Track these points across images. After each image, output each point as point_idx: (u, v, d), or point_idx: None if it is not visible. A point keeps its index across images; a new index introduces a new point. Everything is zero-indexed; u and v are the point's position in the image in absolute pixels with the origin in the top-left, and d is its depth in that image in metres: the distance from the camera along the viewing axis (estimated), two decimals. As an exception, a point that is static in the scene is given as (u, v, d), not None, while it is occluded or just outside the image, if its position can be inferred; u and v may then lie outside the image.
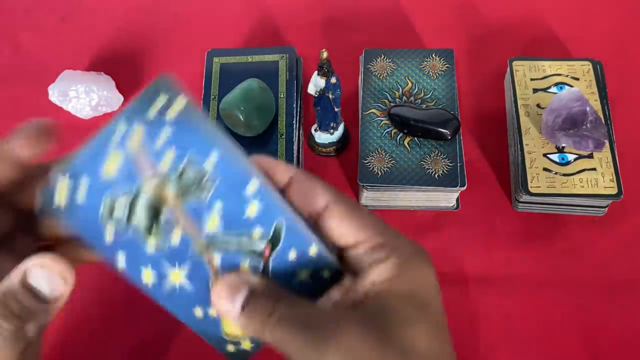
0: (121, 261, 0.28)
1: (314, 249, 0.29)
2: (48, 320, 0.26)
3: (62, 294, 0.27)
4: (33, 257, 0.26)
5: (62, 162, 0.26)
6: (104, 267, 0.57)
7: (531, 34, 0.66)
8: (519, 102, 0.57)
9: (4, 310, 0.25)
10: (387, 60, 0.59)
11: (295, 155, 0.54)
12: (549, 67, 0.59)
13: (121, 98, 0.62)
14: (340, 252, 0.29)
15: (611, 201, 0.52)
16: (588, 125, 0.52)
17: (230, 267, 0.28)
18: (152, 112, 0.26)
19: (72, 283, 0.27)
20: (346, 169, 0.58)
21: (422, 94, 0.57)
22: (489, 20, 0.67)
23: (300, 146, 0.58)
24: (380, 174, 0.53)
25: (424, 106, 0.56)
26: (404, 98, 0.57)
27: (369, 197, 0.55)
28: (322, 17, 0.69)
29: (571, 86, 0.57)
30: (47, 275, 0.26)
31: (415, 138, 0.54)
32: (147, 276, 0.28)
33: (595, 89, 0.57)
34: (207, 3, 0.70)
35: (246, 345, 0.31)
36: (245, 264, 0.28)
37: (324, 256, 0.29)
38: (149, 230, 0.27)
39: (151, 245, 0.27)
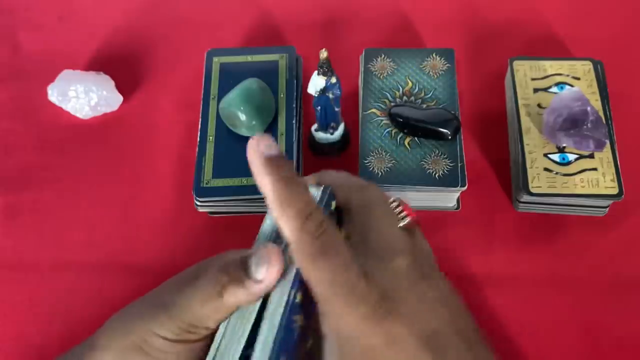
0: None
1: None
2: (249, 297, 0.31)
3: (267, 279, 0.31)
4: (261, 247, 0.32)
5: None
6: (104, 267, 0.58)
7: (532, 34, 0.66)
8: (520, 102, 0.57)
9: (222, 270, 0.32)
10: (388, 60, 0.59)
11: (295, 155, 0.54)
12: (549, 66, 0.58)
13: (120, 98, 0.62)
14: None
15: (612, 201, 0.52)
16: (589, 125, 0.52)
17: None
18: None
19: (274, 277, 0.31)
20: (346, 169, 0.58)
21: (423, 94, 0.57)
22: (490, 20, 0.67)
23: (300, 146, 0.58)
24: (380, 174, 0.52)
25: (424, 106, 0.56)
26: (405, 98, 0.57)
27: (369, 197, 0.54)
28: (322, 17, 0.68)
29: (572, 86, 0.57)
30: (259, 260, 0.31)
31: (416, 138, 0.54)
32: None
33: (596, 89, 0.57)
34: (207, 3, 0.70)
35: None
36: None
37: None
38: None
39: None
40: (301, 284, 0.31)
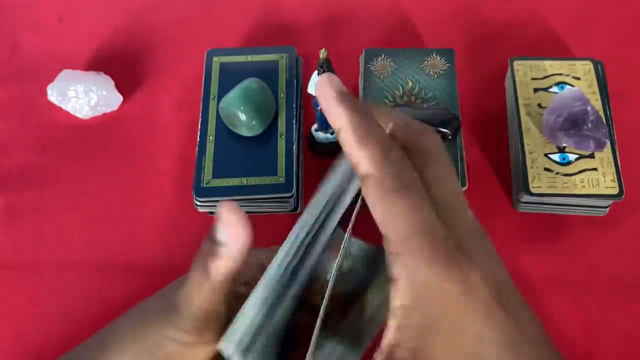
0: None
1: None
2: (227, 263, 0.31)
3: (231, 239, 0.31)
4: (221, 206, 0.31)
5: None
6: (104, 267, 0.57)
7: (532, 34, 0.66)
8: (520, 102, 0.57)
9: (198, 251, 0.32)
10: (388, 59, 0.59)
11: (295, 155, 0.54)
12: (550, 66, 0.58)
13: (120, 98, 0.62)
14: None
15: (612, 201, 0.52)
16: (589, 125, 0.52)
17: None
18: None
19: (238, 234, 0.31)
20: (346, 169, 0.58)
21: (423, 94, 0.57)
22: (490, 20, 0.67)
23: (300, 146, 0.57)
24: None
25: (424, 106, 0.56)
26: (405, 98, 0.57)
27: (369, 197, 0.54)
28: (322, 17, 0.68)
29: (572, 86, 0.57)
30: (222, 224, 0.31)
31: (416, 138, 0.54)
32: None
33: (596, 89, 0.57)
34: (207, 3, 0.70)
35: None
36: None
37: None
38: None
39: None
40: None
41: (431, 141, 0.31)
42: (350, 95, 0.30)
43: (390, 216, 0.28)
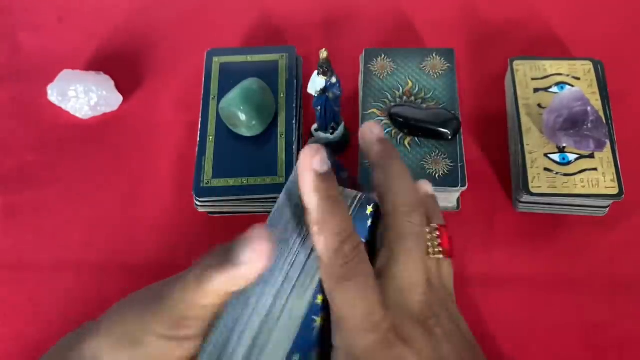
0: None
1: None
2: (232, 283, 0.31)
3: (251, 265, 0.31)
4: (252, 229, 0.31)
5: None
6: (104, 267, 0.57)
7: (532, 34, 0.66)
8: (520, 102, 0.57)
9: (203, 256, 0.32)
10: (388, 59, 0.59)
11: (295, 155, 0.54)
12: (549, 66, 0.58)
13: (120, 98, 0.62)
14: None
15: (612, 201, 0.52)
16: (589, 125, 0.52)
17: None
18: None
19: (262, 262, 0.30)
20: (346, 169, 0.58)
21: (423, 94, 0.57)
22: (490, 20, 0.67)
23: (300, 146, 0.57)
24: (380, 174, 0.52)
25: (424, 106, 0.56)
26: (405, 98, 0.57)
27: (369, 197, 0.54)
28: (322, 17, 0.68)
29: (572, 86, 0.57)
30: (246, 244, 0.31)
31: (416, 138, 0.54)
32: None
33: (596, 89, 0.57)
34: (207, 3, 0.70)
35: None
36: None
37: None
38: None
39: None
40: (322, 288, 0.32)
41: (407, 227, 0.34)
42: (328, 179, 0.32)
43: (334, 299, 0.31)
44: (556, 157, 0.54)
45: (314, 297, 0.32)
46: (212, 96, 0.58)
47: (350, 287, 0.31)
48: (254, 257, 0.30)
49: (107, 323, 0.34)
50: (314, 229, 0.31)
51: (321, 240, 0.31)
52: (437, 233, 0.36)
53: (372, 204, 0.34)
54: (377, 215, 0.35)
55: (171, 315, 0.32)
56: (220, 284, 0.31)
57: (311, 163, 0.32)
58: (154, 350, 0.32)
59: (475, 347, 0.34)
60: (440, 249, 0.35)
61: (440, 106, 0.56)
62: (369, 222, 0.34)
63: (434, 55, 0.59)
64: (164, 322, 0.32)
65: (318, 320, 0.32)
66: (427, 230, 0.35)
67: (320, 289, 0.32)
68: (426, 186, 0.39)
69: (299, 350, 0.31)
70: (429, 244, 0.35)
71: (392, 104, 0.56)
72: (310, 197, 0.31)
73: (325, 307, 0.32)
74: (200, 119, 0.56)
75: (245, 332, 0.32)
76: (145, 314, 0.33)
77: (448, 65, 0.58)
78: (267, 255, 0.30)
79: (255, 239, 0.30)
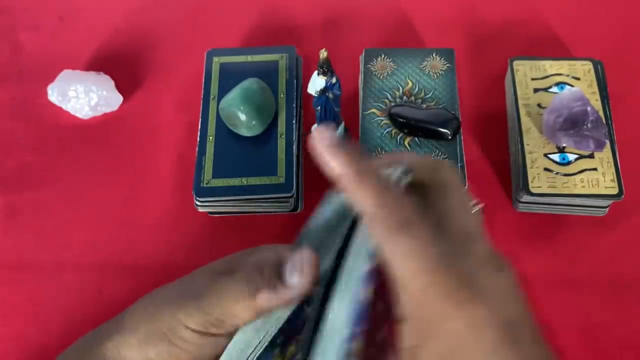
0: None
1: None
2: (277, 302, 0.33)
3: (298, 288, 0.32)
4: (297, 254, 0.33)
5: None
6: (104, 267, 0.57)
7: (532, 34, 0.66)
8: (520, 102, 0.57)
9: (258, 270, 0.33)
10: (388, 59, 0.59)
11: (295, 155, 0.54)
12: (549, 66, 0.58)
13: (120, 98, 0.62)
14: None
15: (612, 201, 0.52)
16: (589, 125, 0.52)
17: None
18: None
19: (305, 285, 0.32)
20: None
21: (423, 94, 0.57)
22: (490, 20, 0.67)
23: (300, 146, 0.57)
24: (380, 174, 0.52)
25: (424, 106, 0.56)
26: (405, 98, 0.57)
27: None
28: (322, 17, 0.68)
29: (572, 86, 0.57)
30: (293, 267, 0.32)
31: (416, 138, 0.54)
32: None
33: (596, 89, 0.57)
34: (207, 3, 0.70)
35: None
36: None
37: None
38: None
39: None
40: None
41: (445, 174, 0.32)
42: (345, 144, 0.30)
43: (395, 255, 0.28)
44: (556, 157, 0.54)
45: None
46: (212, 96, 0.58)
47: (410, 239, 0.28)
48: (302, 282, 0.32)
49: (132, 321, 0.35)
50: (352, 187, 0.29)
51: (363, 195, 0.29)
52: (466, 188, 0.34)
53: (407, 175, 0.32)
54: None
55: (206, 316, 0.33)
56: (266, 303, 0.32)
57: (324, 133, 0.30)
58: (184, 345, 0.34)
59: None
60: (475, 201, 0.34)
61: (440, 106, 0.56)
62: None
63: (434, 55, 0.59)
64: (198, 321, 0.33)
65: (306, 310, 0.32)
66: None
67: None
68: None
69: (283, 334, 0.32)
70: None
71: (392, 104, 0.56)
72: (338, 163, 0.29)
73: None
74: (200, 119, 0.56)
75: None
76: (178, 312, 0.34)
77: (448, 65, 0.58)
78: (313, 279, 0.32)
79: (305, 264, 0.32)
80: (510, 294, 0.29)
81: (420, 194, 0.32)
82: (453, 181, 0.32)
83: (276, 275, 0.33)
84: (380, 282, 0.30)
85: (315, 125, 0.57)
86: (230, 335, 0.34)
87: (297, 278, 0.32)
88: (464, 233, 0.30)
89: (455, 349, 0.27)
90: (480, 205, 0.34)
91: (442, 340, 0.28)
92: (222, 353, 0.34)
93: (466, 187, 0.52)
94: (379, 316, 0.30)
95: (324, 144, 0.30)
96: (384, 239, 0.28)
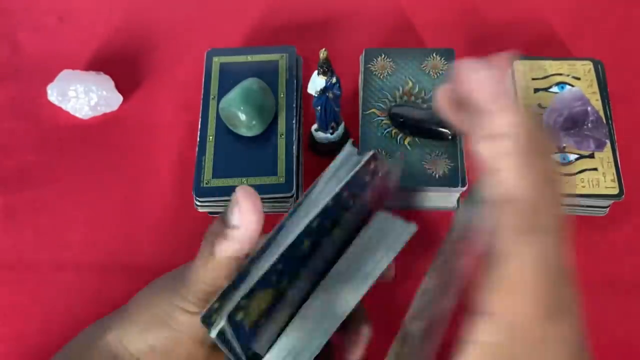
0: None
1: None
2: (234, 246, 0.32)
3: (243, 224, 0.32)
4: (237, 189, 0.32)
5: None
6: (104, 267, 0.57)
7: (532, 34, 0.66)
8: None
9: (208, 230, 0.33)
10: (388, 59, 0.59)
11: (295, 155, 0.54)
12: (550, 66, 0.58)
13: (120, 98, 0.62)
14: None
15: (612, 201, 0.52)
16: (589, 125, 0.52)
17: None
18: None
19: (249, 218, 0.32)
20: (346, 169, 0.58)
21: (423, 94, 0.57)
22: (490, 20, 0.67)
23: (300, 146, 0.57)
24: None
25: (424, 106, 0.56)
26: (405, 98, 0.57)
27: (370, 197, 0.54)
28: (322, 17, 0.68)
29: (572, 86, 0.57)
30: (233, 208, 0.32)
31: (416, 138, 0.54)
32: None
33: (596, 89, 0.57)
34: (207, 3, 0.70)
35: None
36: None
37: None
38: None
39: None
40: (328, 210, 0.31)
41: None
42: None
43: (514, 254, 0.28)
44: (556, 157, 0.53)
45: (311, 223, 0.31)
46: (212, 96, 0.58)
47: (537, 239, 0.28)
48: (244, 218, 0.31)
49: (132, 311, 0.36)
50: (493, 103, 0.30)
51: (505, 111, 0.30)
52: None
53: None
54: None
55: (196, 293, 0.33)
56: (226, 251, 0.32)
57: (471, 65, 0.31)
58: (183, 329, 0.34)
59: None
60: None
61: (441, 106, 0.56)
62: None
63: (434, 55, 0.59)
64: (190, 300, 0.33)
65: (306, 243, 0.32)
66: None
67: (321, 214, 0.31)
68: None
69: (286, 269, 0.31)
70: None
71: (392, 104, 0.56)
72: (483, 75, 0.31)
73: (316, 233, 0.32)
74: (200, 119, 0.56)
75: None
76: (173, 295, 0.34)
77: (448, 65, 0.58)
78: (255, 213, 0.31)
79: (241, 201, 0.31)
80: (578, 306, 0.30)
81: None
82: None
83: (222, 224, 0.32)
84: None
85: (315, 126, 0.57)
86: None
87: (238, 214, 0.31)
88: None
89: (532, 357, 0.28)
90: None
91: (524, 346, 0.28)
92: None
93: (466, 187, 0.52)
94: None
95: (473, 64, 0.31)
96: (516, 161, 0.29)
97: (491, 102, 0.30)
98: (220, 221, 0.33)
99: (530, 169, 0.28)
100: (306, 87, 0.53)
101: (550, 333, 0.28)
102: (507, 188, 0.28)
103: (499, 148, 0.29)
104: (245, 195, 0.32)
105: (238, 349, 0.31)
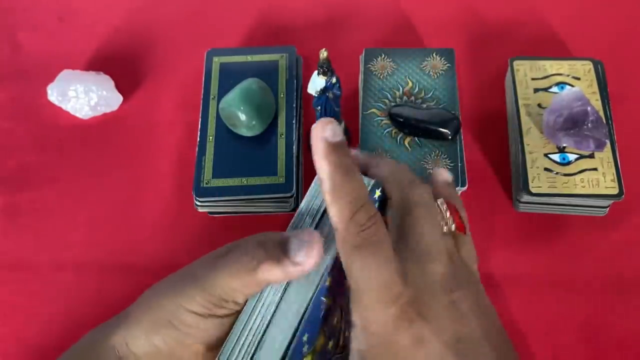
0: None
1: None
2: (282, 276, 0.32)
3: (303, 262, 0.32)
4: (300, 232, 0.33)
5: None
6: (104, 267, 0.57)
7: (532, 34, 0.66)
8: (520, 102, 0.57)
9: (260, 245, 0.33)
10: (388, 59, 0.59)
11: (295, 155, 0.54)
12: (549, 66, 0.58)
13: (120, 98, 0.62)
14: None
15: (612, 201, 0.52)
16: (589, 125, 0.52)
17: None
18: None
19: (312, 262, 0.32)
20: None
21: (423, 94, 0.57)
22: (490, 20, 0.67)
23: (300, 146, 0.57)
24: (380, 174, 0.52)
25: (424, 106, 0.56)
26: (405, 98, 0.57)
27: (369, 197, 0.54)
28: (322, 17, 0.68)
29: (572, 86, 0.57)
30: (301, 242, 0.32)
31: (416, 138, 0.54)
32: None
33: (596, 89, 0.57)
34: (207, 3, 0.70)
35: None
36: None
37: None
38: None
39: None
40: (332, 269, 0.32)
41: (415, 194, 0.33)
42: (341, 148, 0.31)
43: (351, 270, 0.30)
44: (556, 157, 0.53)
45: (324, 280, 0.32)
46: (212, 96, 0.58)
47: (367, 256, 0.30)
48: (309, 261, 0.31)
49: (136, 313, 0.35)
50: (327, 198, 0.31)
51: (335, 209, 0.31)
52: (445, 207, 0.34)
53: (380, 188, 0.34)
54: (384, 200, 0.34)
55: (208, 296, 0.33)
56: (270, 278, 0.32)
57: (323, 131, 0.31)
58: (188, 330, 0.33)
59: (500, 324, 0.33)
60: (452, 220, 0.34)
61: (440, 106, 0.56)
62: (376, 205, 0.34)
63: (434, 55, 0.59)
64: (198, 301, 0.33)
65: (327, 301, 0.32)
66: (438, 202, 0.34)
67: (330, 272, 0.32)
68: (444, 173, 0.38)
69: (307, 330, 0.31)
70: (439, 217, 0.34)
71: (392, 104, 0.56)
72: (322, 165, 0.31)
73: (334, 289, 0.32)
74: (200, 119, 0.56)
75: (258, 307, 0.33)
76: (180, 296, 0.33)
77: (448, 65, 0.58)
78: (318, 260, 0.31)
79: (313, 244, 0.31)
80: (466, 313, 0.31)
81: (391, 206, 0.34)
82: (422, 199, 0.33)
83: (281, 250, 0.32)
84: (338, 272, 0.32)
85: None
86: (234, 315, 0.33)
87: (305, 256, 0.31)
88: (421, 252, 0.31)
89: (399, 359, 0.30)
90: (455, 223, 0.35)
91: (386, 349, 0.30)
92: (227, 334, 0.33)
93: (466, 187, 0.52)
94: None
95: (319, 143, 0.31)
96: (342, 253, 0.31)
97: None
98: (276, 245, 0.32)
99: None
100: (306, 87, 0.53)
101: (405, 336, 0.30)
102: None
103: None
104: (319, 240, 0.32)
105: None
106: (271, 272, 0.32)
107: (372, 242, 0.30)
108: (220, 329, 0.34)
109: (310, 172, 0.57)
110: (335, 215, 0.31)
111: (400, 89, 0.57)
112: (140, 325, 0.35)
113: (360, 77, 0.59)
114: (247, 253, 0.33)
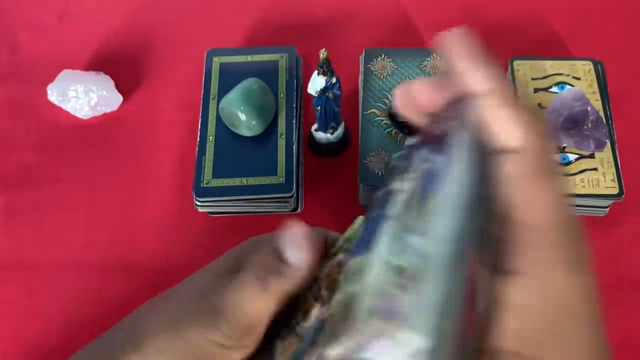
0: None
1: None
2: (292, 284, 0.31)
3: (302, 263, 0.31)
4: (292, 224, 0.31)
5: None
6: (104, 267, 0.57)
7: (532, 34, 0.66)
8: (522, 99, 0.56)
9: (259, 265, 0.32)
10: (388, 59, 0.59)
11: (295, 155, 0.54)
12: (549, 66, 0.58)
13: (120, 98, 0.62)
14: None
15: (612, 201, 0.52)
16: (589, 125, 0.52)
17: None
18: None
19: (309, 257, 0.31)
20: (346, 169, 0.58)
21: (423, 94, 0.57)
22: (489, 20, 0.67)
23: (300, 146, 0.58)
24: (380, 174, 0.52)
25: (424, 106, 0.56)
26: (405, 98, 0.56)
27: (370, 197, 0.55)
28: (322, 17, 0.68)
29: (572, 86, 0.57)
30: (293, 245, 0.31)
31: (416, 138, 0.54)
32: None
33: (596, 89, 0.57)
34: (207, 3, 0.70)
35: None
36: None
37: None
38: None
39: None
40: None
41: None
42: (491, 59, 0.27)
43: (533, 200, 0.25)
44: (556, 157, 0.53)
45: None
46: (212, 96, 0.58)
47: (556, 181, 0.25)
48: (304, 255, 0.31)
49: (153, 341, 0.33)
50: (501, 113, 0.25)
51: (517, 125, 0.25)
52: None
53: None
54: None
55: (235, 327, 0.31)
56: (282, 290, 0.31)
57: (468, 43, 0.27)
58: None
59: None
60: None
61: (441, 106, 0.56)
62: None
63: (434, 55, 0.59)
64: (228, 334, 0.31)
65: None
66: None
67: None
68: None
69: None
70: None
71: (392, 104, 0.56)
72: (486, 79, 0.27)
73: None
74: (200, 119, 0.56)
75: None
76: (206, 329, 0.31)
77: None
78: (313, 252, 0.31)
79: (302, 240, 0.31)
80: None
81: None
82: None
83: (278, 261, 0.31)
84: None
85: (315, 126, 0.57)
86: (261, 338, 0.32)
87: (298, 254, 0.31)
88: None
89: (568, 317, 0.26)
90: None
91: (560, 306, 0.25)
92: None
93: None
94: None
95: (466, 51, 0.27)
96: (524, 178, 0.25)
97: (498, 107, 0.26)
98: (270, 254, 0.31)
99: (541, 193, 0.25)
100: (306, 87, 0.53)
101: (576, 288, 0.26)
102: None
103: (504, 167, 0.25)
104: (300, 234, 0.31)
105: None
106: (280, 285, 0.31)
107: (556, 166, 0.26)
108: (245, 354, 0.32)
109: (310, 172, 0.57)
110: (519, 130, 0.25)
111: (400, 89, 0.57)
112: (159, 353, 0.32)
113: (360, 77, 0.59)
114: (254, 276, 0.31)
